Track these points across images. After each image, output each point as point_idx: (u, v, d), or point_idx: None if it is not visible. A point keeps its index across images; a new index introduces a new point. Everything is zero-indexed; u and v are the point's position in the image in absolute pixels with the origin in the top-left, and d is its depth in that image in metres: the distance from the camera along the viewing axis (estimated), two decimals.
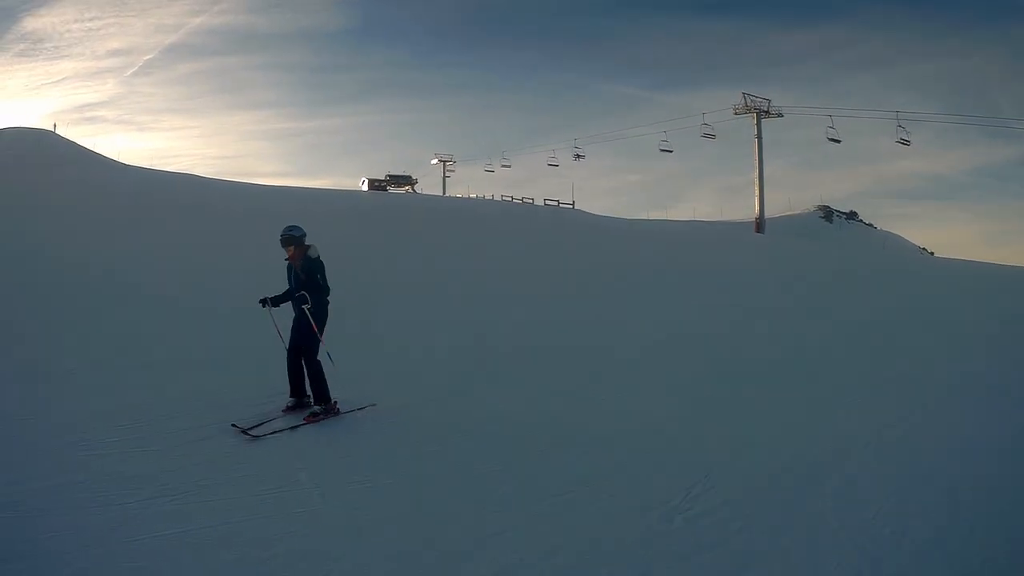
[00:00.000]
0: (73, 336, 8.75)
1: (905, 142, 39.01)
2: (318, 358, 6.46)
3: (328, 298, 6.63)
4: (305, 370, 6.50)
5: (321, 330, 6.51)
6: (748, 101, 46.99)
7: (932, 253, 57.43)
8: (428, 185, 66.70)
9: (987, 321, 14.86)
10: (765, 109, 46.98)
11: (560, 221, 34.72)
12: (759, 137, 47.15)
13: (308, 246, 6.59)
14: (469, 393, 7.65)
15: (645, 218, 51.63)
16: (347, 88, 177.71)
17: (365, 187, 61.15)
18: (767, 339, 11.50)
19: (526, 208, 45.35)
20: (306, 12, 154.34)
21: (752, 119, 46.98)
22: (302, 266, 6.55)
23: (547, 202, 51.22)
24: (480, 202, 45.20)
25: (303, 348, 6.49)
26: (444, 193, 63.69)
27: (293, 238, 6.51)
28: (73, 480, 4.75)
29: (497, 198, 53.26)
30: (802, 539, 4.41)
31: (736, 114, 47.27)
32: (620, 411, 7.20)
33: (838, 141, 41.66)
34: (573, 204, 51.20)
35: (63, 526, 4.11)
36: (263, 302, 6.53)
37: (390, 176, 64.30)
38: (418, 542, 4.17)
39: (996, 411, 7.72)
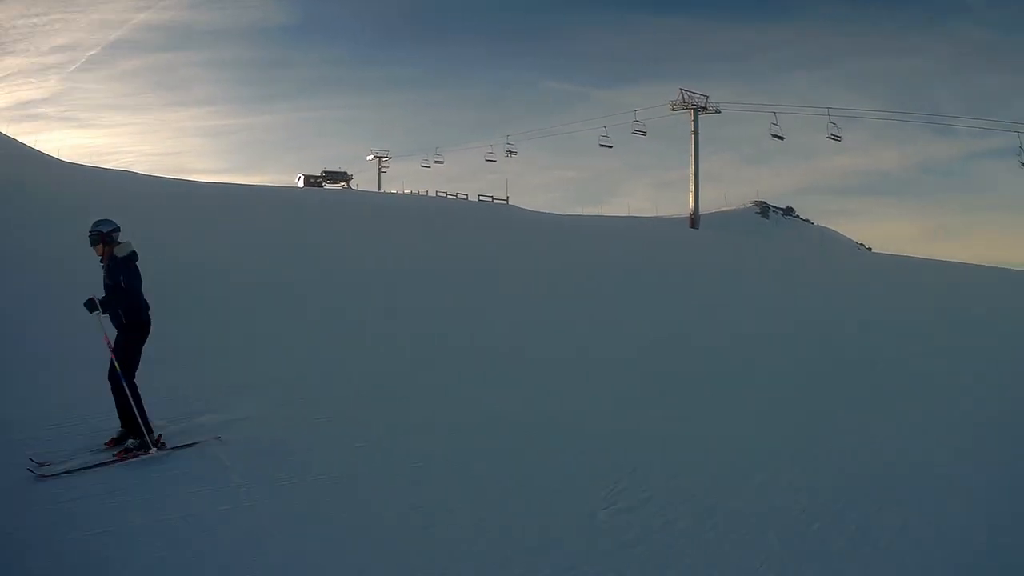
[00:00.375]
0: (10, 333, 8.29)
1: (836, 138, 40.32)
2: (134, 380, 5.34)
3: (145, 303, 5.54)
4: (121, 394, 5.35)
5: (131, 348, 5.40)
6: (686, 97, 47.72)
7: (870, 248, 58.79)
8: (363, 181, 66.17)
9: (952, 322, 14.90)
10: (703, 105, 47.80)
11: (498, 218, 34.42)
12: (696, 133, 47.99)
13: (118, 244, 5.50)
14: (462, 393, 7.38)
15: (580, 214, 51.51)
16: (284, 85, 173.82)
17: (301, 183, 60.28)
18: (764, 339, 11.44)
19: (460, 204, 44.87)
20: (247, 7, 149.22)
21: (689, 115, 47.68)
22: (108, 267, 5.49)
23: (481, 198, 50.73)
24: (414, 198, 44.86)
25: (113, 368, 5.36)
26: (379, 189, 63.14)
27: (100, 235, 5.44)
28: (17, 479, 4.67)
29: (432, 194, 53.02)
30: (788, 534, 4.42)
31: (673, 110, 47.89)
32: (615, 411, 7.02)
33: (781, 138, 42.59)
34: (507, 200, 50.93)
35: (9, 525, 4.10)
36: (89, 304, 5.26)
37: (326, 172, 64.03)
38: (413, 540, 4.13)
39: (992, 411, 7.73)
